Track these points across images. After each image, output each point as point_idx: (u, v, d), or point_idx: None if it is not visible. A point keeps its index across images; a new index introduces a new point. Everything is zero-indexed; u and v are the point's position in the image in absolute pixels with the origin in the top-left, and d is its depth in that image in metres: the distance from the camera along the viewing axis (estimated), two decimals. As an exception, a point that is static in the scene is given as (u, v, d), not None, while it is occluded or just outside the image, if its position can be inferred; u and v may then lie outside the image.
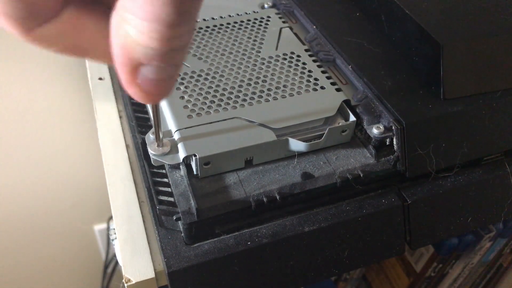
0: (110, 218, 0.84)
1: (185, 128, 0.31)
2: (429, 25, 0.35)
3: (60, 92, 0.69)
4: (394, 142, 0.33)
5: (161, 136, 0.30)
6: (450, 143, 0.33)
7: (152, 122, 0.29)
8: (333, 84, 0.36)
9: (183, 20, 0.15)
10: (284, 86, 0.35)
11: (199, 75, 0.36)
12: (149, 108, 0.35)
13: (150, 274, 0.31)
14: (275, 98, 0.34)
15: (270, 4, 0.45)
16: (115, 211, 0.34)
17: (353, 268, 0.34)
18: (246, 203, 0.30)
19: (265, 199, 0.30)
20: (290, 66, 0.37)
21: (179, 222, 0.30)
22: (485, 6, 0.38)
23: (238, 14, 0.43)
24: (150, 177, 0.32)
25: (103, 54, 0.18)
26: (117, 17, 0.16)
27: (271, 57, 0.38)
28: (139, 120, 0.36)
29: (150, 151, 0.30)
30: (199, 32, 0.40)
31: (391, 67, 0.37)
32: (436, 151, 0.33)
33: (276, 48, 0.39)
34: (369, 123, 0.34)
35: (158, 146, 0.30)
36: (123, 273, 0.31)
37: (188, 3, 0.15)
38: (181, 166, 0.31)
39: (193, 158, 0.30)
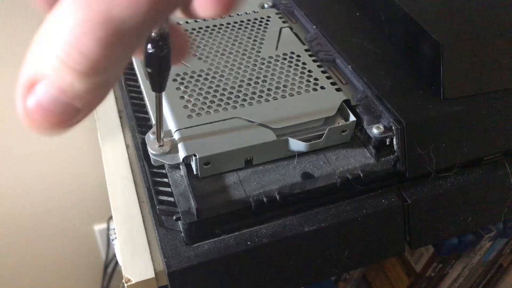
0: (110, 218, 0.84)
1: (185, 128, 0.31)
2: (429, 25, 0.34)
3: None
4: (394, 142, 0.33)
5: (162, 135, 0.30)
6: (450, 143, 0.33)
7: (154, 121, 0.29)
8: (333, 84, 0.36)
9: (109, 59, 0.13)
10: (284, 86, 0.35)
11: (199, 75, 0.36)
12: (149, 107, 0.35)
13: (150, 274, 0.31)
14: (275, 98, 0.34)
15: (270, 4, 0.45)
16: (115, 211, 0.34)
17: (353, 268, 0.34)
18: (246, 203, 0.30)
19: (265, 199, 0.30)
20: (290, 66, 0.37)
21: (179, 222, 0.30)
22: (485, 6, 0.38)
23: (238, 14, 0.43)
24: (150, 177, 0.32)
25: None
26: (41, 30, 0.13)
27: (271, 57, 0.38)
28: (139, 120, 0.36)
29: (150, 151, 0.30)
30: (199, 32, 0.40)
31: (391, 67, 0.37)
32: (436, 151, 0.33)
33: (276, 48, 0.39)
34: (369, 123, 0.34)
35: (158, 145, 0.30)
36: (123, 273, 0.31)
37: (121, 39, 0.13)
38: (181, 166, 0.31)
39: (193, 158, 0.30)
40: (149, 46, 0.18)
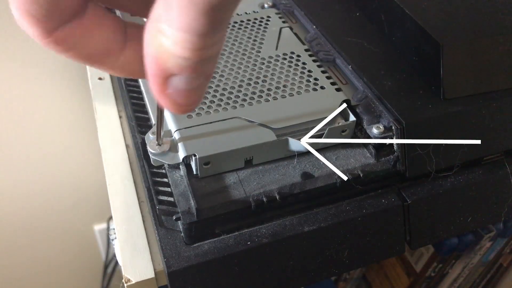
0: (110, 218, 0.84)
1: (185, 128, 0.31)
2: (429, 25, 0.34)
3: (60, 92, 0.69)
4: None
5: (162, 135, 0.30)
6: (450, 143, 0.33)
7: (154, 121, 0.29)
8: (333, 84, 0.36)
9: (216, 30, 0.15)
10: (284, 86, 0.35)
11: (199, 75, 0.35)
12: (149, 107, 0.35)
13: (150, 274, 0.31)
14: (275, 98, 0.34)
15: (270, 4, 0.45)
16: (115, 211, 0.34)
17: (353, 268, 0.34)
18: (246, 203, 0.30)
19: (265, 199, 0.30)
20: (290, 66, 0.37)
21: (179, 222, 0.30)
22: (485, 6, 0.38)
23: (238, 14, 0.43)
24: (150, 177, 0.32)
25: (120, 65, 0.18)
26: (151, 28, 0.16)
27: (271, 57, 0.38)
28: (139, 120, 0.36)
29: (149, 150, 0.30)
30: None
31: (391, 67, 0.37)
32: (436, 151, 0.33)
33: (276, 48, 0.39)
34: (369, 123, 0.34)
35: (157, 144, 0.30)
36: (123, 273, 0.31)
37: (221, 13, 0.15)
38: (181, 166, 0.31)
39: (193, 158, 0.30)
40: None
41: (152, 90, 0.17)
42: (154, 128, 0.31)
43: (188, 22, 0.14)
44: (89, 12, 0.17)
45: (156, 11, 0.15)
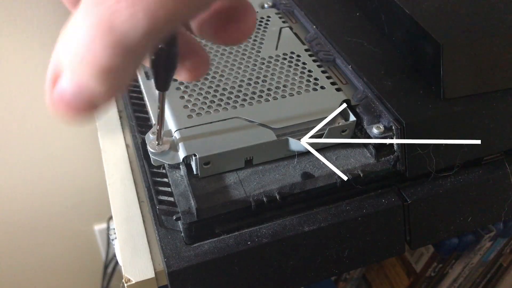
0: (110, 218, 0.84)
1: (185, 128, 0.31)
2: (429, 25, 0.34)
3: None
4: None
5: (162, 134, 0.30)
6: (450, 143, 0.33)
7: (155, 121, 0.29)
8: (333, 84, 0.36)
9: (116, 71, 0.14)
10: (284, 86, 0.35)
11: (199, 75, 0.35)
12: (149, 107, 0.35)
13: (150, 274, 0.31)
14: (275, 98, 0.34)
15: (270, 4, 0.45)
16: (115, 211, 0.34)
17: (353, 268, 0.34)
18: (246, 203, 0.30)
19: (265, 199, 0.30)
20: (290, 66, 0.37)
21: (179, 222, 0.30)
22: (485, 6, 0.38)
23: (238, 14, 0.43)
24: (150, 177, 0.32)
25: None
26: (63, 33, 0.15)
27: (271, 57, 0.38)
28: (139, 120, 0.36)
29: (150, 149, 0.30)
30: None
31: (391, 67, 0.37)
32: (436, 151, 0.33)
33: (276, 48, 0.39)
34: (369, 123, 0.34)
35: (158, 144, 0.30)
36: (123, 273, 0.31)
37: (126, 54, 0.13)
38: (181, 166, 0.31)
39: (193, 158, 0.30)
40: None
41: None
42: (154, 128, 0.31)
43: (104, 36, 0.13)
44: None
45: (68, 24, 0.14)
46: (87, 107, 0.15)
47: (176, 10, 0.13)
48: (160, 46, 0.18)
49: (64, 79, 0.14)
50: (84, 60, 0.14)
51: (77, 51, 0.14)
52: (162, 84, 0.22)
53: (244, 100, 0.34)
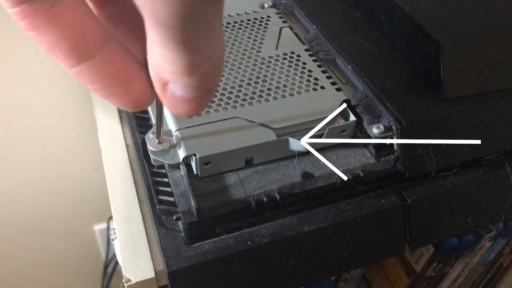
0: (110, 218, 0.84)
1: (185, 128, 0.31)
2: (429, 25, 0.34)
3: (60, 92, 0.69)
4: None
5: (162, 132, 0.30)
6: (450, 143, 0.33)
7: (155, 117, 0.29)
8: (333, 84, 0.36)
9: (198, 44, 0.16)
10: (284, 86, 0.35)
11: (199, 75, 0.35)
12: (149, 107, 0.35)
13: (150, 274, 0.31)
14: (275, 98, 0.34)
15: (270, 4, 0.45)
16: (115, 211, 0.34)
17: (353, 268, 0.34)
18: (246, 202, 0.30)
19: (265, 199, 0.30)
20: (290, 66, 0.37)
21: (179, 222, 0.30)
22: (485, 6, 0.38)
23: (238, 14, 0.43)
24: (150, 177, 0.32)
25: (136, 93, 0.19)
26: (147, 41, 0.17)
27: (271, 57, 0.38)
28: (139, 120, 0.36)
29: (149, 147, 0.30)
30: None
31: (391, 67, 0.37)
32: (436, 151, 0.33)
33: (276, 48, 0.39)
34: (369, 122, 0.34)
35: (158, 142, 0.30)
36: (123, 273, 0.31)
37: (198, 42, 0.16)
38: (181, 166, 0.31)
39: (193, 157, 0.30)
40: None
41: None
42: (154, 128, 0.31)
43: (162, 39, 0.15)
44: (109, 47, 0.18)
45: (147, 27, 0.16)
46: (195, 102, 0.18)
47: None
48: None
49: (172, 86, 0.18)
50: (181, 69, 0.16)
51: (173, 67, 0.16)
52: None
53: (244, 100, 0.34)
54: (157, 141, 0.30)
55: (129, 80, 0.19)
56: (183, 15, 0.15)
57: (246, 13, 0.43)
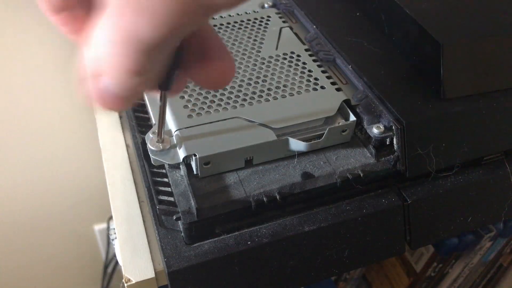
0: (110, 218, 0.84)
1: (185, 128, 0.31)
2: (429, 25, 0.34)
3: (60, 92, 0.69)
4: (394, 142, 0.33)
5: (163, 133, 0.30)
6: (450, 142, 0.33)
7: (157, 116, 0.29)
8: (333, 84, 0.36)
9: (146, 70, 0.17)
10: (284, 86, 0.35)
11: (199, 75, 0.35)
12: (149, 107, 0.35)
13: (150, 274, 0.31)
14: (275, 98, 0.34)
15: (270, 3, 0.45)
16: (115, 211, 0.34)
17: (353, 268, 0.34)
18: (246, 202, 0.30)
19: (265, 199, 0.30)
20: (290, 66, 0.37)
21: (179, 222, 0.30)
22: (485, 6, 0.38)
23: (238, 14, 0.43)
24: (150, 177, 0.32)
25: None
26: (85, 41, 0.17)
27: (271, 57, 0.38)
28: (139, 120, 0.36)
29: (149, 147, 0.30)
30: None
31: (391, 67, 0.37)
32: (436, 151, 0.33)
33: (276, 48, 0.39)
34: (369, 122, 0.34)
35: (159, 142, 0.30)
36: (123, 273, 0.31)
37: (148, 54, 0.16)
38: (181, 166, 0.31)
39: (193, 157, 0.30)
40: None
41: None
42: (154, 128, 0.31)
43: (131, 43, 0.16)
44: None
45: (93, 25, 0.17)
46: (123, 99, 0.18)
47: (189, 16, 0.15)
48: None
49: (104, 79, 0.17)
50: (117, 63, 0.16)
51: (110, 58, 0.16)
52: (164, 83, 0.22)
53: (244, 100, 0.34)
54: (157, 140, 0.30)
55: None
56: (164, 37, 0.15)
57: (246, 13, 0.43)
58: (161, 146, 0.30)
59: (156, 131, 0.30)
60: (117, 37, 0.15)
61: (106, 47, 0.16)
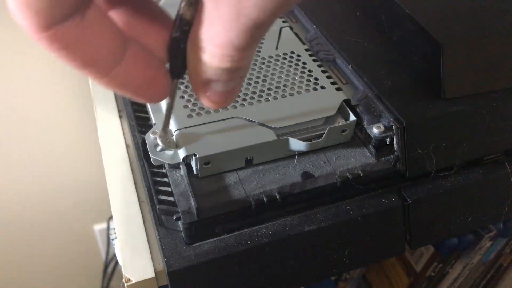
0: (110, 218, 0.84)
1: (185, 128, 0.31)
2: (429, 25, 0.34)
3: (60, 92, 0.69)
4: (394, 142, 0.33)
5: (168, 127, 0.29)
6: (450, 142, 0.33)
7: (164, 114, 0.27)
8: (333, 83, 0.36)
9: (252, 45, 0.18)
10: (284, 85, 0.35)
11: (199, 75, 0.35)
12: (149, 107, 0.35)
13: (150, 273, 0.31)
14: (275, 98, 0.34)
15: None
16: (115, 211, 0.34)
17: (353, 268, 0.34)
18: (246, 202, 0.30)
19: (265, 199, 0.30)
20: (290, 66, 0.37)
21: (179, 221, 0.30)
22: (485, 6, 0.38)
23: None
24: (150, 176, 0.32)
25: (112, 76, 0.18)
26: (191, 46, 0.18)
27: (271, 57, 0.38)
28: (139, 119, 0.36)
29: (149, 147, 0.30)
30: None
31: (391, 67, 0.37)
32: (436, 151, 0.33)
33: (276, 48, 0.39)
34: (369, 122, 0.34)
35: (161, 136, 0.30)
36: (123, 273, 0.31)
37: (261, 31, 0.17)
38: (181, 166, 0.31)
39: (193, 157, 0.30)
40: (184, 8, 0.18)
41: (194, 92, 0.20)
42: (154, 128, 0.31)
43: (230, 39, 0.17)
44: (90, 13, 0.17)
45: (197, 27, 0.18)
46: (235, 92, 0.20)
47: None
48: (185, 22, 0.18)
49: (215, 84, 0.19)
50: (226, 62, 0.18)
51: (220, 59, 0.18)
52: (179, 67, 0.20)
53: (244, 100, 0.34)
54: (160, 135, 0.30)
55: (152, 77, 0.20)
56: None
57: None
58: (160, 144, 0.30)
59: (161, 126, 0.29)
60: (232, 15, 0.16)
61: (225, 37, 0.17)
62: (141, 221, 0.33)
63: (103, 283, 0.90)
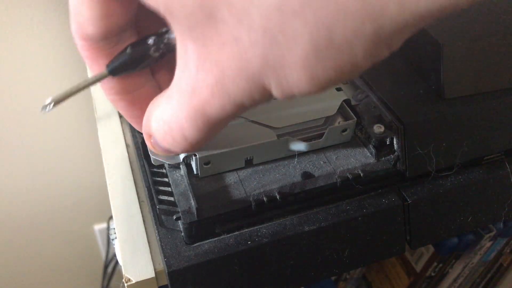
0: (110, 218, 0.84)
1: (185, 128, 0.31)
2: (429, 25, 0.34)
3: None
4: (395, 142, 0.33)
5: None
6: (450, 142, 0.33)
7: None
8: (333, 83, 0.36)
9: (204, 139, 0.19)
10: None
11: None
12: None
13: (150, 273, 0.31)
14: (275, 98, 0.34)
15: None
16: (115, 211, 0.34)
17: (353, 267, 0.34)
18: (246, 202, 0.30)
19: (265, 199, 0.30)
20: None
21: (179, 221, 0.30)
22: (485, 6, 0.38)
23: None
24: (150, 176, 0.32)
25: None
26: (148, 111, 0.20)
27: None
28: (139, 119, 0.36)
29: (150, 148, 0.30)
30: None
31: (391, 66, 0.37)
32: (436, 151, 0.33)
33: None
34: (369, 122, 0.34)
35: None
36: (123, 273, 0.31)
37: (215, 129, 0.18)
38: (181, 166, 0.31)
39: (193, 157, 0.30)
40: (151, 41, 0.20)
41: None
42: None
43: (181, 125, 0.18)
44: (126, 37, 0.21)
45: (162, 82, 0.21)
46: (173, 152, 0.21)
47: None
48: (153, 43, 0.20)
49: (154, 140, 0.21)
50: (174, 135, 0.19)
51: (170, 125, 0.19)
52: (117, 68, 0.21)
53: (244, 100, 0.34)
54: None
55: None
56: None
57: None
58: None
59: None
60: (186, 113, 0.17)
61: (173, 117, 0.18)
62: (141, 221, 0.33)
63: (103, 283, 0.90)
